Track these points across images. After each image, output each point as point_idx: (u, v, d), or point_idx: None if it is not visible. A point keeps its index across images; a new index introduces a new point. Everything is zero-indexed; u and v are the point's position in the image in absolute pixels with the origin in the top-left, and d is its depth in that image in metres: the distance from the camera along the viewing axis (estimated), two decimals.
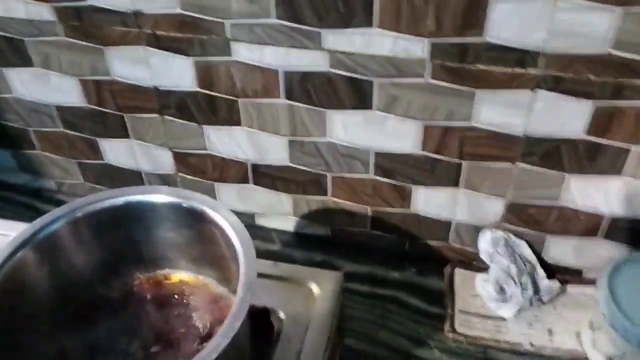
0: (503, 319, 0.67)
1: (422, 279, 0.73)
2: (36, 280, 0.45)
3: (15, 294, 0.43)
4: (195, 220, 0.46)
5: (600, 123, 0.57)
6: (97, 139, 0.76)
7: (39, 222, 0.46)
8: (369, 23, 0.56)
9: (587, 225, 0.65)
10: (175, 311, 0.49)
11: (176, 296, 0.50)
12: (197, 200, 0.46)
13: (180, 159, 0.75)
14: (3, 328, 0.42)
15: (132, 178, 0.80)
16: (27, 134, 0.79)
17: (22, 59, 0.70)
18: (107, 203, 0.46)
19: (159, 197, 0.46)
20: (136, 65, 0.66)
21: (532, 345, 0.64)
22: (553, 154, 0.60)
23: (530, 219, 0.67)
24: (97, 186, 0.83)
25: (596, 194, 0.62)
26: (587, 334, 0.63)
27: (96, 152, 0.78)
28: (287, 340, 0.52)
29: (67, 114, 0.75)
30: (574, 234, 0.67)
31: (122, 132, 0.74)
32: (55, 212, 0.47)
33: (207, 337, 0.48)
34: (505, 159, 0.62)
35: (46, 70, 0.70)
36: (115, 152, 0.77)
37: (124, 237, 0.48)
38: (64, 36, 0.66)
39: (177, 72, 0.66)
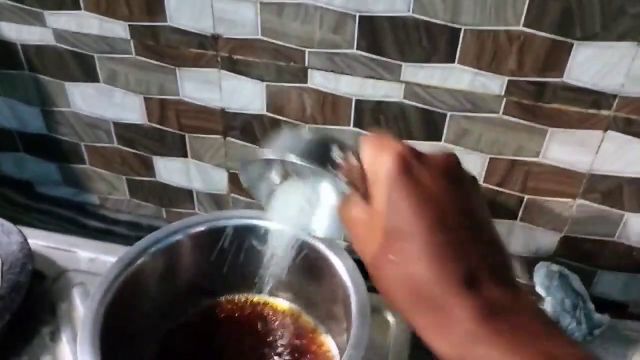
0: None
1: None
2: (148, 289, 0.45)
3: (132, 294, 0.43)
4: (308, 254, 0.47)
5: None
6: (153, 156, 0.77)
7: (156, 234, 0.46)
8: (450, 59, 0.58)
9: (639, 262, 0.67)
10: (263, 337, 0.50)
11: (269, 324, 0.50)
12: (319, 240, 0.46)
13: (236, 180, 0.75)
14: (117, 327, 0.42)
15: (182, 196, 0.80)
16: (77, 148, 0.79)
17: (88, 75, 0.71)
18: (223, 222, 0.47)
19: (274, 224, 0.47)
20: (207, 87, 0.67)
21: None
22: (614, 192, 0.62)
23: (583, 254, 0.69)
24: (143, 203, 0.83)
25: None
26: None
27: (149, 169, 0.78)
28: None
29: (125, 130, 0.75)
30: (624, 270, 0.69)
31: (180, 151, 0.75)
32: (174, 225, 0.48)
33: None
34: (567, 195, 0.64)
35: (111, 87, 0.71)
36: (170, 170, 0.77)
37: (231, 257, 0.48)
38: (135, 54, 0.67)
39: (248, 96, 0.67)
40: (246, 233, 0.48)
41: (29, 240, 0.61)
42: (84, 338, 0.38)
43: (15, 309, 0.52)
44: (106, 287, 0.42)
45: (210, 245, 0.48)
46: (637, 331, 0.68)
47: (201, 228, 0.47)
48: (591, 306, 0.70)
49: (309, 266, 0.47)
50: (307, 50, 0.61)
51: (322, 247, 0.46)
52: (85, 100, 0.74)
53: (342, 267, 0.44)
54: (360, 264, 0.47)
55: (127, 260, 0.44)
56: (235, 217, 0.48)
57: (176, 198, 0.80)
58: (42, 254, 0.62)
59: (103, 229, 0.83)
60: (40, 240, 0.64)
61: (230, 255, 0.48)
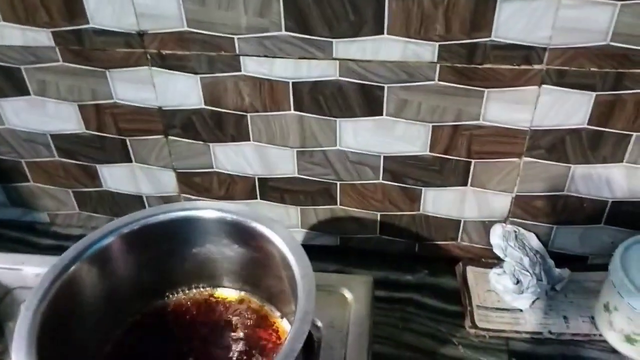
0: (520, 311, 0.68)
1: (435, 279, 0.74)
2: (86, 294, 0.44)
3: (67, 306, 0.42)
4: (246, 237, 0.46)
5: (602, 113, 0.60)
6: (96, 165, 0.75)
7: (90, 237, 0.45)
8: (379, 30, 0.57)
9: (591, 213, 0.68)
10: (217, 329, 0.49)
11: (219, 314, 0.49)
12: (250, 217, 0.46)
13: (184, 179, 0.74)
14: (54, 338, 0.41)
15: (132, 203, 0.78)
16: (18, 166, 0.77)
17: (18, 88, 0.68)
18: (155, 219, 0.46)
19: (208, 212, 0.46)
20: (140, 87, 0.66)
21: (550, 332, 0.66)
22: (558, 145, 0.63)
23: (537, 212, 0.69)
24: (94, 214, 0.81)
25: (599, 182, 0.65)
26: (603, 317, 0.65)
27: (94, 179, 0.76)
28: (329, 348, 0.52)
29: (64, 142, 0.73)
30: (578, 222, 0.69)
31: (123, 156, 0.73)
32: (107, 226, 0.47)
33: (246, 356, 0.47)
34: (512, 155, 0.65)
35: (43, 98, 0.69)
36: (115, 177, 0.76)
37: (170, 253, 0.47)
38: (62, 61, 0.65)
39: (183, 91, 0.65)
40: (181, 226, 0.46)
41: None
42: (19, 349, 0.37)
43: None
44: (41, 295, 0.41)
45: (146, 243, 0.46)
46: (597, 281, 0.69)
47: (134, 227, 0.46)
48: (551, 262, 0.71)
49: (250, 249, 0.46)
50: (235, 37, 0.60)
51: (259, 226, 0.45)
52: (19, 115, 0.71)
53: (282, 243, 0.44)
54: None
55: (60, 267, 0.42)
56: (167, 212, 0.47)
57: (126, 205, 0.78)
58: None
59: (56, 246, 0.80)
60: None
61: (169, 251, 0.47)
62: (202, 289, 0.49)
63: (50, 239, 0.81)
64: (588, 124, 0.61)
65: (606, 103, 0.59)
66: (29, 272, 0.60)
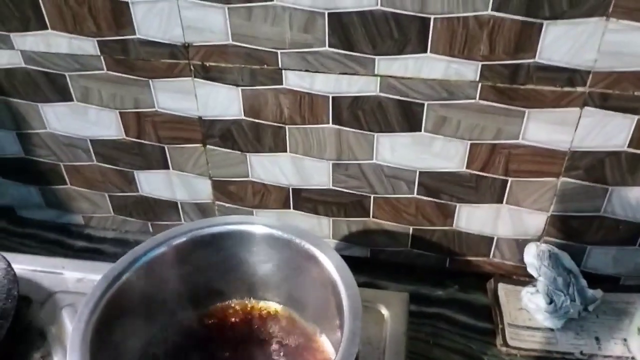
0: (551, 330, 0.68)
1: (466, 295, 0.74)
2: (134, 303, 0.45)
3: (116, 315, 0.43)
4: (294, 254, 0.46)
5: None
6: (134, 170, 0.76)
7: (140, 247, 0.46)
8: (422, 49, 0.58)
9: (626, 235, 0.68)
10: (256, 342, 0.49)
11: (259, 327, 0.50)
12: (299, 235, 0.46)
13: (220, 187, 0.75)
14: (104, 346, 0.42)
15: (166, 208, 0.79)
16: (57, 169, 0.78)
17: (61, 94, 0.70)
18: (205, 231, 0.47)
19: (258, 227, 0.47)
20: (182, 97, 0.67)
21: (582, 354, 0.66)
22: (597, 167, 0.63)
23: (571, 231, 0.69)
24: (128, 218, 0.82)
25: (637, 204, 0.65)
26: (636, 339, 0.65)
27: (130, 184, 0.78)
28: None
29: (103, 147, 0.74)
30: (613, 243, 0.69)
31: (160, 163, 0.74)
32: (157, 237, 0.47)
33: None
34: (550, 174, 0.65)
35: (85, 104, 0.70)
36: (152, 183, 0.77)
37: (216, 265, 0.48)
38: (106, 70, 0.66)
39: (223, 102, 0.66)
40: (230, 239, 0.47)
41: (13, 265, 0.60)
42: (73, 352, 0.38)
43: (4, 336, 0.51)
44: (92, 306, 0.41)
45: (194, 255, 0.47)
46: (629, 303, 0.69)
47: (184, 238, 0.47)
48: (583, 282, 0.70)
49: (296, 266, 0.47)
50: (279, 51, 0.61)
51: (308, 246, 0.46)
52: (60, 120, 0.73)
53: (329, 264, 0.44)
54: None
55: (111, 277, 0.43)
56: (217, 224, 0.48)
57: (161, 211, 0.80)
58: (27, 278, 0.61)
59: (89, 249, 0.82)
60: (25, 265, 0.63)
61: (216, 263, 0.47)
62: (244, 301, 0.50)
63: (84, 241, 0.83)
64: (628, 146, 0.61)
65: None
66: (70, 276, 0.62)
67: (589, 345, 0.67)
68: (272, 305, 0.51)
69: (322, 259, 0.45)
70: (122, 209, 0.82)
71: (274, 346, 0.49)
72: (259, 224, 0.47)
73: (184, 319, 0.49)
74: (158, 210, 0.80)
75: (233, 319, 0.50)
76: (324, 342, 0.49)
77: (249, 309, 0.50)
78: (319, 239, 0.47)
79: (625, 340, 0.67)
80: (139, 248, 0.46)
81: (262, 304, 0.51)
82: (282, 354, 0.49)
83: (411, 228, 0.74)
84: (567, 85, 0.57)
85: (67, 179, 0.79)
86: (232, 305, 0.51)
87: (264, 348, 0.49)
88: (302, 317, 0.51)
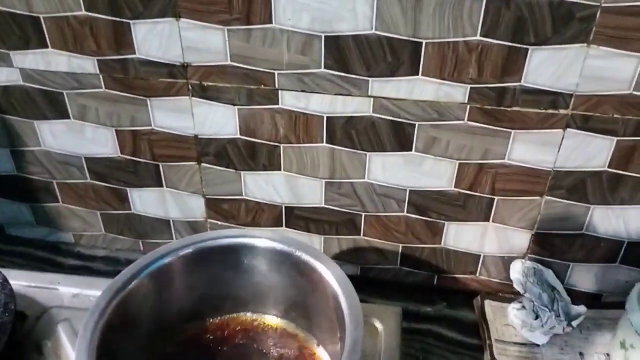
0: (537, 346, 0.70)
1: (454, 311, 0.76)
2: (138, 313, 0.46)
3: (120, 324, 0.44)
4: (295, 267, 0.48)
5: (623, 157, 0.63)
6: (127, 188, 0.77)
7: (145, 258, 0.47)
8: (414, 72, 0.60)
9: (608, 253, 0.71)
10: (256, 354, 0.50)
11: (260, 339, 0.51)
12: (300, 249, 0.48)
13: (213, 205, 0.76)
14: (111, 353, 0.42)
15: (158, 227, 0.80)
16: (49, 186, 0.79)
17: (58, 112, 0.71)
18: (209, 244, 0.48)
19: (261, 241, 0.48)
20: (179, 115, 0.68)
21: None
22: (579, 186, 0.66)
23: (555, 249, 0.72)
24: (119, 237, 0.82)
25: (617, 222, 0.68)
26: (619, 354, 0.67)
27: (123, 202, 0.78)
28: None
29: (98, 165, 0.75)
30: (595, 261, 0.72)
31: (154, 181, 0.75)
32: (162, 249, 0.48)
33: None
34: (534, 193, 0.67)
35: (82, 122, 0.71)
36: (145, 201, 0.77)
37: (219, 277, 0.49)
38: (104, 88, 0.68)
39: (220, 121, 0.68)
40: (233, 252, 0.48)
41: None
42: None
43: (1, 350, 0.51)
44: (98, 315, 0.42)
45: (198, 267, 0.48)
46: (612, 319, 0.71)
47: (189, 250, 0.48)
48: (567, 299, 0.73)
49: (297, 279, 0.48)
50: (276, 72, 0.63)
51: (308, 258, 0.47)
52: (56, 137, 0.73)
53: (330, 276, 0.46)
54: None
55: (117, 287, 0.44)
56: (221, 237, 0.49)
57: (152, 229, 0.80)
58: (22, 294, 0.61)
59: (80, 267, 0.81)
60: (20, 280, 0.63)
61: (218, 275, 0.48)
62: (244, 314, 0.51)
63: (75, 259, 0.82)
64: (608, 167, 0.64)
65: (627, 148, 0.62)
66: (65, 291, 0.62)
67: None
68: (272, 318, 0.52)
69: (323, 271, 0.46)
70: (113, 227, 0.82)
71: (273, 357, 0.50)
72: (262, 237, 0.48)
73: (185, 331, 0.49)
74: (150, 229, 0.80)
75: (233, 332, 0.51)
76: (322, 354, 0.50)
77: (248, 321, 0.51)
78: (319, 251, 0.48)
79: (607, 355, 0.69)
80: (143, 259, 0.47)
81: (262, 316, 0.52)
82: None
83: (401, 246, 0.76)
84: (551, 108, 0.61)
85: (59, 197, 0.80)
86: (233, 317, 0.51)
87: (264, 359, 0.50)
88: (301, 330, 0.52)
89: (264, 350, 0.51)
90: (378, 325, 0.57)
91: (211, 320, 0.51)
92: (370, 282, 0.79)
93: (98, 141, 0.72)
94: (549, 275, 0.73)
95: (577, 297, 0.74)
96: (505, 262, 0.74)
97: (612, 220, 0.68)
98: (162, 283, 0.47)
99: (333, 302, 0.45)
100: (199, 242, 0.48)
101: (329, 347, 0.50)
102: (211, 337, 0.50)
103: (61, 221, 0.82)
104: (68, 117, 0.71)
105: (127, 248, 0.83)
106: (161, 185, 0.75)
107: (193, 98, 0.67)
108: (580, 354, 0.69)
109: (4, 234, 0.85)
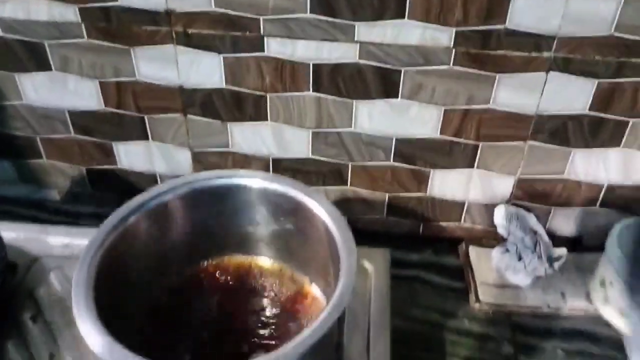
0: (519, 287, 0.72)
1: (439, 258, 0.77)
2: (136, 249, 0.46)
3: (119, 258, 0.44)
4: (290, 206, 0.48)
5: (603, 99, 0.64)
6: (112, 142, 0.76)
7: (143, 195, 0.47)
8: (400, 15, 0.60)
9: (588, 196, 0.73)
10: (251, 294, 0.51)
11: (254, 280, 0.52)
12: (295, 187, 0.48)
13: (200, 158, 0.76)
14: (109, 289, 0.43)
15: (144, 182, 0.79)
16: (33, 142, 0.78)
17: (39, 64, 0.69)
18: (205, 183, 0.48)
19: (255, 181, 0.48)
20: (163, 65, 0.67)
21: (549, 307, 0.70)
22: (560, 130, 0.67)
23: (537, 194, 0.73)
24: (105, 193, 0.82)
25: (597, 166, 0.69)
26: (598, 292, 0.69)
27: (109, 156, 0.78)
28: (353, 315, 0.55)
29: (81, 119, 0.74)
30: (575, 205, 0.74)
31: (140, 134, 0.74)
32: (160, 186, 0.49)
33: (277, 323, 0.50)
34: (518, 138, 0.68)
35: (64, 74, 0.70)
36: (131, 155, 0.77)
37: (215, 218, 0.50)
38: (87, 38, 0.67)
39: (205, 70, 0.67)
40: (227, 192, 0.49)
41: None
42: (78, 301, 0.38)
43: None
44: (96, 247, 0.42)
45: (194, 206, 0.49)
46: (592, 261, 0.73)
47: (184, 190, 0.48)
48: (549, 242, 0.75)
49: (290, 218, 0.49)
50: (261, 17, 0.63)
51: (302, 196, 0.48)
52: (38, 90, 0.72)
53: (323, 212, 0.46)
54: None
55: (114, 223, 0.44)
56: (214, 178, 0.49)
57: (139, 184, 0.80)
58: (11, 245, 0.61)
59: (66, 224, 0.81)
60: (8, 231, 0.63)
61: (212, 216, 0.49)
62: (239, 255, 0.52)
63: (61, 216, 0.82)
64: (589, 109, 0.65)
65: (607, 90, 0.63)
66: (55, 241, 0.62)
67: (556, 300, 0.71)
68: (266, 260, 0.53)
69: (316, 208, 0.47)
70: (99, 183, 0.81)
71: (268, 297, 0.51)
72: (255, 177, 0.49)
73: (180, 272, 0.50)
74: (135, 184, 0.80)
75: (227, 273, 0.51)
76: (315, 291, 0.51)
77: (243, 262, 0.52)
78: (312, 189, 0.49)
79: (588, 294, 0.71)
80: (141, 196, 0.47)
81: (256, 257, 0.53)
82: (275, 304, 0.51)
83: (387, 195, 0.77)
84: (534, 51, 0.61)
85: (43, 153, 0.79)
86: (227, 259, 0.52)
87: (257, 300, 0.51)
88: (295, 269, 0.53)
89: (258, 290, 0.52)
90: (368, 266, 0.59)
91: (206, 262, 0.51)
92: (357, 233, 0.80)
93: (81, 94, 0.72)
94: (531, 219, 0.75)
95: (558, 241, 0.76)
96: (489, 209, 0.76)
97: (592, 164, 0.69)
98: (158, 222, 0.47)
99: (326, 237, 0.46)
100: (193, 182, 0.48)
101: (322, 285, 0.51)
102: (206, 279, 0.50)
103: (45, 178, 0.82)
104: (50, 69, 0.70)
105: (113, 204, 0.83)
106: (147, 139, 0.75)
107: (177, 46, 0.66)
108: (562, 294, 0.72)
109: None
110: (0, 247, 0.56)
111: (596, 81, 0.63)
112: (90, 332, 0.38)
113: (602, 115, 0.65)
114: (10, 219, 0.80)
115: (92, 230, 0.56)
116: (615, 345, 0.66)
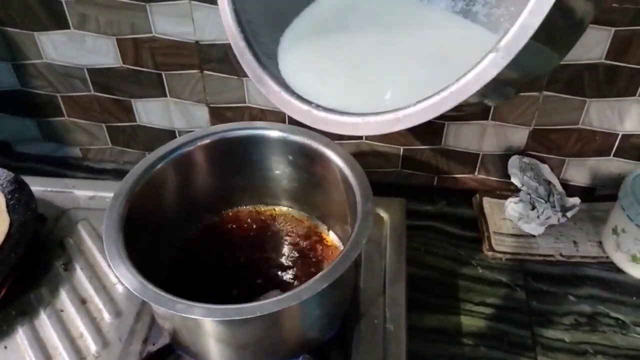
0: (533, 236, 0.74)
1: (453, 209, 0.79)
2: (162, 196, 0.48)
3: (146, 203, 0.46)
4: (309, 156, 0.49)
5: (619, 47, 0.64)
6: (131, 99, 0.78)
7: (169, 145, 0.49)
8: None
9: (602, 146, 0.73)
10: (270, 239, 0.53)
11: (273, 226, 0.54)
12: (313, 138, 0.49)
13: (217, 113, 0.77)
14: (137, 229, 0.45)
15: (164, 138, 0.81)
16: (54, 100, 0.79)
17: (58, 22, 0.70)
18: (228, 134, 0.50)
19: (274, 132, 0.50)
20: (179, 20, 0.68)
21: (562, 255, 0.71)
22: (576, 80, 0.67)
23: (551, 144, 0.74)
24: (126, 149, 0.84)
25: (612, 115, 0.70)
26: (611, 240, 0.70)
27: (128, 113, 0.79)
28: (369, 260, 0.57)
29: (100, 76, 0.75)
30: (589, 155, 0.74)
31: (158, 91, 0.76)
32: (185, 137, 0.51)
33: (297, 268, 0.52)
34: (533, 89, 0.69)
35: (82, 32, 0.71)
36: (149, 112, 0.79)
37: (236, 168, 0.51)
38: None
39: (221, 26, 0.67)
40: (246, 143, 0.50)
41: None
42: (110, 244, 0.41)
43: (27, 244, 0.54)
44: (123, 196, 0.44)
45: (217, 157, 0.50)
46: (605, 211, 0.74)
47: (206, 140, 0.50)
48: (562, 191, 0.76)
49: (309, 167, 0.50)
50: None
51: (319, 146, 0.49)
52: (57, 49, 0.73)
53: (339, 160, 0.48)
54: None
55: (140, 172, 0.46)
56: (234, 130, 0.50)
57: (158, 140, 0.81)
58: (40, 198, 0.64)
59: (90, 179, 0.83)
60: (36, 186, 0.65)
61: (233, 166, 0.51)
62: (258, 206, 0.53)
63: (84, 172, 0.84)
64: (605, 58, 0.65)
65: (624, 38, 0.63)
66: (81, 194, 0.64)
67: (568, 249, 0.72)
68: (284, 209, 0.55)
69: (333, 157, 0.48)
70: (119, 140, 0.83)
71: (286, 244, 0.53)
72: (274, 129, 0.50)
73: (202, 220, 0.52)
74: (155, 140, 0.82)
75: (247, 222, 0.53)
76: (333, 238, 0.53)
77: (262, 212, 0.54)
78: (329, 139, 0.50)
79: (600, 242, 0.72)
80: (163, 148, 0.49)
81: (275, 207, 0.54)
82: (295, 250, 0.53)
83: (402, 148, 0.78)
84: None
85: (64, 111, 0.81)
86: (247, 209, 0.54)
87: (276, 244, 0.53)
88: (313, 217, 0.55)
89: (278, 238, 0.54)
90: (384, 215, 0.60)
91: (226, 212, 0.53)
92: (373, 185, 0.81)
93: (99, 51, 0.73)
94: (545, 170, 0.76)
95: (572, 191, 0.77)
96: (503, 160, 0.77)
97: (607, 113, 0.70)
98: (181, 171, 0.49)
99: (343, 185, 0.47)
100: (215, 133, 0.50)
101: (340, 232, 0.52)
102: (227, 227, 0.52)
103: (67, 135, 0.84)
104: (68, 27, 0.71)
105: (135, 160, 0.84)
106: (165, 95, 0.76)
107: (192, 2, 0.66)
108: (575, 242, 0.73)
109: (11, 151, 0.86)
110: (30, 200, 0.59)
111: (613, 29, 0.62)
112: (123, 272, 0.40)
113: (618, 63, 0.65)
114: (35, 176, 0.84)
115: (116, 183, 0.58)
116: (625, 290, 0.68)
